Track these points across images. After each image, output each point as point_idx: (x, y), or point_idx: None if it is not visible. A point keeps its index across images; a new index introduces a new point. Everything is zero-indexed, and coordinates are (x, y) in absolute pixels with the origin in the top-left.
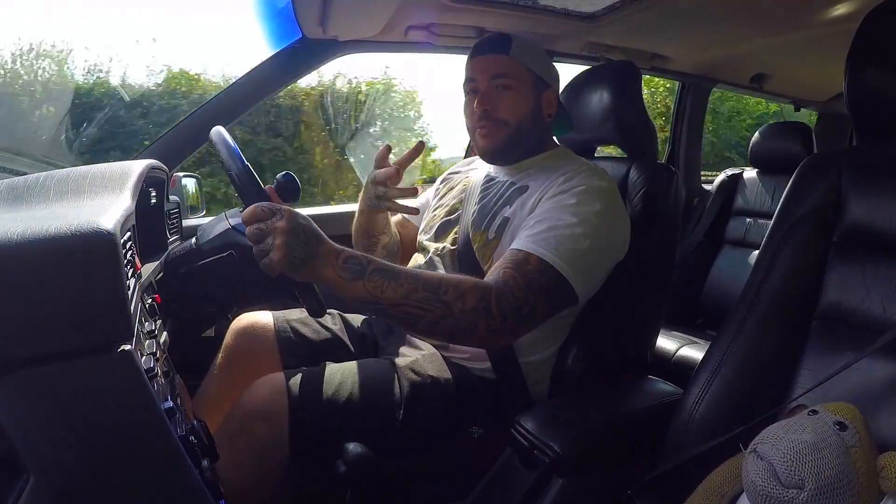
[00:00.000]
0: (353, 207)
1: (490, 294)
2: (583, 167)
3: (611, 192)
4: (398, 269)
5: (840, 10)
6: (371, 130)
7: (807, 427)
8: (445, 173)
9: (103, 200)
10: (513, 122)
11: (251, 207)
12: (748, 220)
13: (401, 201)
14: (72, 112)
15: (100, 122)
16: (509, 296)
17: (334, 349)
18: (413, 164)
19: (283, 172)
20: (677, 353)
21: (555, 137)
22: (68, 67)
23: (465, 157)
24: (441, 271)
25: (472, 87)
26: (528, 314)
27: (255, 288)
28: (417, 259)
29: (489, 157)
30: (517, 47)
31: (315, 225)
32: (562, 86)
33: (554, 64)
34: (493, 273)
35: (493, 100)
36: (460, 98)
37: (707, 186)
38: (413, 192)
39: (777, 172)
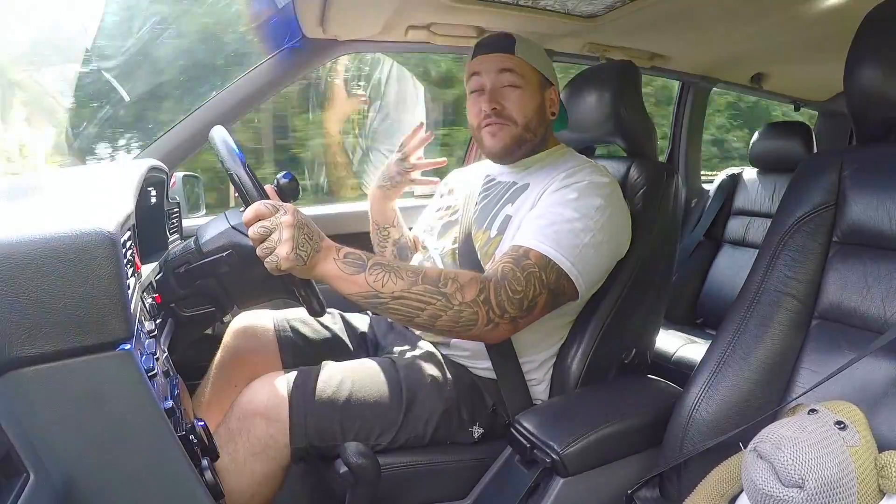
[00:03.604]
0: (352, 208)
1: (489, 287)
2: (584, 164)
3: (612, 189)
4: (398, 263)
5: (840, 10)
6: None
7: (807, 426)
8: (447, 177)
9: (104, 200)
10: (521, 121)
11: (254, 206)
12: (748, 219)
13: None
14: (72, 112)
15: (100, 122)
16: (508, 289)
17: (334, 349)
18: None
19: (284, 172)
20: (677, 353)
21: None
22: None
23: (465, 162)
24: None
25: (477, 84)
26: (527, 308)
27: (254, 287)
28: (419, 259)
29: (497, 157)
30: (521, 46)
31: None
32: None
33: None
34: (492, 267)
35: (502, 98)
36: None
37: (707, 186)
38: (443, 163)
39: (777, 172)
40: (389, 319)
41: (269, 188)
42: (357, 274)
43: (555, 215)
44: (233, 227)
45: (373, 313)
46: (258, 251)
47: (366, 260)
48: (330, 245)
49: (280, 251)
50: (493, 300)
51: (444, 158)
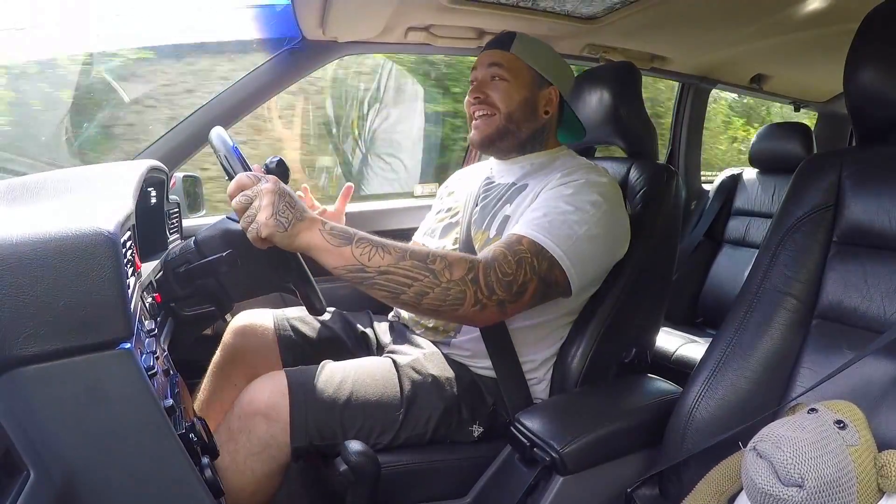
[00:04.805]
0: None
1: (478, 267)
2: (583, 165)
3: (610, 188)
4: (385, 240)
5: (840, 10)
6: None
7: (807, 426)
8: (448, 180)
9: (104, 201)
10: (503, 110)
11: (236, 177)
12: (748, 219)
13: None
14: (72, 112)
15: (100, 122)
16: (498, 271)
17: (334, 347)
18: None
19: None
20: (677, 352)
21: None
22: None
23: (464, 163)
24: None
25: (472, 78)
26: (517, 292)
27: (252, 281)
28: None
29: (480, 147)
30: (519, 44)
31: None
32: None
33: (569, 66)
34: (484, 251)
35: (487, 88)
36: None
37: (707, 186)
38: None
39: (777, 172)
40: (375, 297)
41: (256, 168)
42: (343, 246)
43: (549, 208)
44: (228, 217)
45: (358, 290)
46: (241, 222)
47: (353, 234)
48: (315, 218)
49: (260, 217)
50: (482, 280)
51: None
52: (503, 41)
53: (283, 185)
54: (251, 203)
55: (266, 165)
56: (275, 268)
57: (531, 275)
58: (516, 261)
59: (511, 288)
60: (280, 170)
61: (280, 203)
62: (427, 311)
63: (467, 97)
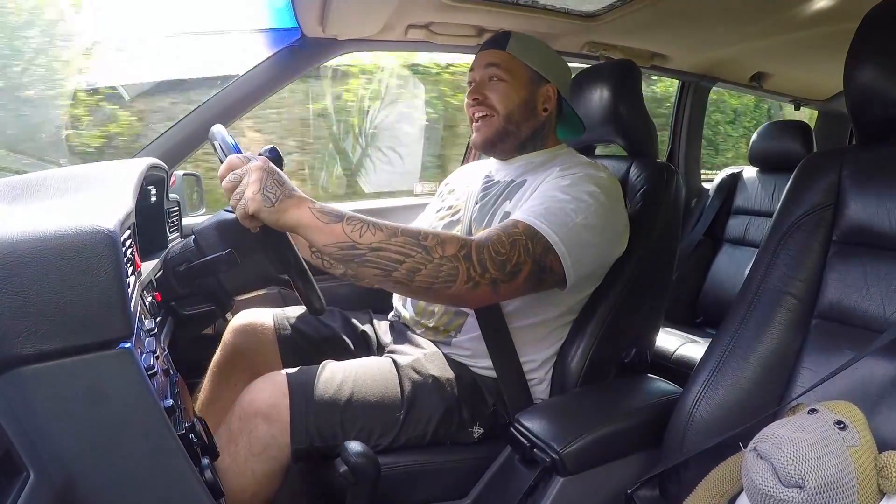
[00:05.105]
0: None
1: (470, 244)
2: (582, 161)
3: (608, 181)
4: (376, 219)
5: (840, 10)
6: None
7: (807, 426)
8: (448, 178)
9: (104, 199)
10: (503, 111)
11: (227, 159)
12: (748, 218)
13: None
14: (72, 111)
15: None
16: (491, 249)
17: (334, 347)
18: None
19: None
20: (677, 352)
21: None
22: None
23: (463, 162)
24: None
25: (470, 79)
26: (510, 272)
27: (250, 276)
28: None
29: (481, 149)
30: (515, 43)
31: None
32: None
33: (565, 62)
34: (479, 234)
35: (485, 89)
36: None
37: (707, 185)
38: None
39: (777, 171)
40: (365, 276)
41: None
42: (334, 223)
43: (546, 197)
44: (224, 210)
45: (348, 272)
46: (230, 201)
47: (343, 213)
48: (304, 196)
49: (247, 193)
50: (475, 257)
51: None
52: (499, 40)
53: (271, 164)
54: (240, 180)
55: (261, 155)
56: (270, 259)
57: (525, 256)
58: (510, 242)
59: (504, 267)
60: (273, 157)
61: (268, 180)
62: (419, 290)
63: (466, 99)
